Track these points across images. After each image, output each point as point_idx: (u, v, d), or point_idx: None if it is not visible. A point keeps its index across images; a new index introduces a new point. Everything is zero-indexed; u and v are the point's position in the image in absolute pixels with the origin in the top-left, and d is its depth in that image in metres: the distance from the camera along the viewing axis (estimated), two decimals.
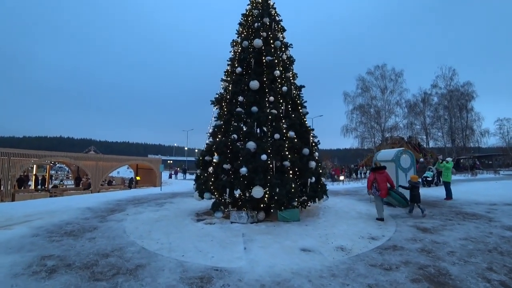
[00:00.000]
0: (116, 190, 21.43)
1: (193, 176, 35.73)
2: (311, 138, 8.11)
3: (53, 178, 30.10)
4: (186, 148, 65.94)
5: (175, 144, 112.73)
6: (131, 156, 24.82)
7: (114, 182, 27.25)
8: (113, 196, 11.94)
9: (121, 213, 8.02)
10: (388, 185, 7.45)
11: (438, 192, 12.69)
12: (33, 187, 21.39)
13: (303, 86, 8.81)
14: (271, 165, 6.82)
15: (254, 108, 7.47)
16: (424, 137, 35.37)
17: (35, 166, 25.07)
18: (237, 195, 6.52)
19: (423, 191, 11.12)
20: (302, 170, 7.46)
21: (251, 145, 6.83)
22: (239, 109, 7.49)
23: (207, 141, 8.34)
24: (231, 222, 6.85)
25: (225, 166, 6.71)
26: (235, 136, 6.93)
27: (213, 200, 7.20)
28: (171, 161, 58.86)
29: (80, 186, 22.35)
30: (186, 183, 23.28)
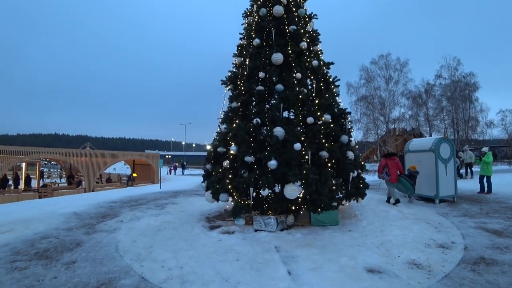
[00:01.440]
0: (112, 188, 19.92)
1: (193, 172, 34.21)
2: (348, 122, 6.60)
3: (44, 176, 28.42)
4: (183, 143, 64.20)
5: (172, 139, 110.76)
6: (127, 152, 23.22)
7: (112, 179, 25.69)
8: (107, 196, 10.40)
9: (114, 219, 6.50)
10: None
11: (469, 185, 11.72)
12: (22, 187, 19.79)
13: (332, 63, 7.24)
14: (306, 157, 5.32)
15: (279, 86, 5.93)
16: (428, 128, 34.40)
17: (24, 164, 23.48)
18: (265, 195, 5.02)
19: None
20: (341, 162, 5.97)
21: (279, 131, 5.30)
22: (260, 87, 5.94)
23: (218, 129, 6.82)
24: (255, 230, 5.38)
25: (247, 158, 5.18)
26: (258, 120, 5.39)
27: (227, 201, 5.68)
28: (169, 156, 57.08)
29: (73, 184, 20.78)
30: (186, 179, 21.76)
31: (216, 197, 5.49)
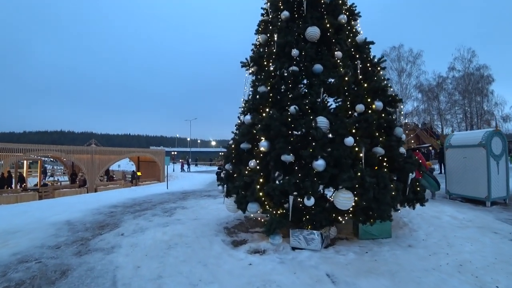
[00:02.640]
0: (116, 186, 18.89)
1: (199, 168, 33.16)
2: (400, 112, 5.36)
3: (48, 174, 27.56)
4: (188, 139, 63.20)
5: (177, 135, 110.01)
6: (131, 148, 22.18)
7: (115, 176, 24.70)
8: (108, 198, 9.28)
9: (114, 231, 5.34)
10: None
11: None
12: (21, 186, 18.81)
13: (372, 43, 5.93)
14: (361, 154, 4.09)
15: (318, 67, 4.69)
16: (439, 123, 33.06)
17: (25, 162, 22.58)
18: (310, 205, 3.80)
19: None
20: (395, 160, 4.73)
21: (322, 122, 4.07)
22: (294, 67, 4.68)
23: (239, 121, 5.62)
24: (293, 248, 4.18)
25: (285, 157, 3.94)
26: (296, 108, 4.14)
27: (257, 212, 4.45)
28: (175, 152, 56.11)
29: (76, 183, 19.78)
30: (193, 176, 20.63)
31: (242, 207, 4.27)
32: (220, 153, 49.91)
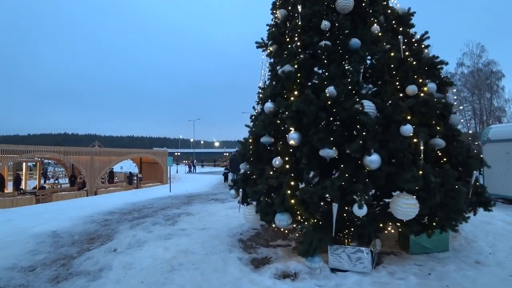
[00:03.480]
0: (117, 189, 18.02)
1: (203, 169, 32.11)
2: (453, 97, 4.41)
3: (49, 176, 26.81)
4: (192, 140, 62.38)
5: (181, 136, 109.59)
6: (133, 149, 21.29)
7: (116, 178, 23.84)
8: (105, 203, 8.36)
9: (105, 246, 4.39)
10: None
11: None
12: (18, 189, 18.01)
13: (414, 13, 4.94)
14: (421, 147, 3.12)
15: (356, 41, 3.76)
16: None
17: (24, 164, 21.82)
18: (361, 215, 2.83)
19: None
20: (452, 154, 3.76)
21: (369, 106, 3.11)
22: (326, 42, 3.73)
23: (255, 111, 4.67)
24: (332, 270, 3.22)
25: (325, 152, 2.96)
26: (333, 89, 3.17)
27: (288, 224, 3.45)
28: (179, 153, 55.22)
29: (76, 185, 18.94)
30: (197, 178, 19.71)
31: (268, 219, 3.29)
32: (225, 154, 48.96)
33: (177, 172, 26.77)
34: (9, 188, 17.50)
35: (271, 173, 3.37)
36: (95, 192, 17.22)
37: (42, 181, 23.47)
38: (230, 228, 5.27)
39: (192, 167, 27.97)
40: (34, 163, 31.64)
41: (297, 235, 4.61)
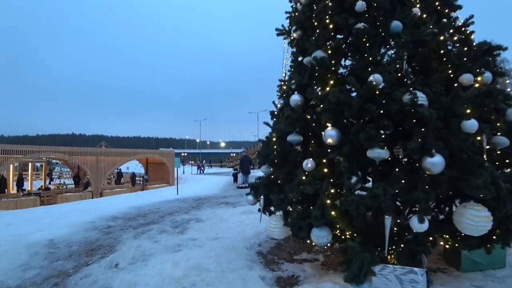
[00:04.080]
0: (123, 190, 17.63)
1: (210, 170, 31.51)
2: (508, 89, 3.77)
3: (54, 177, 26.61)
4: (198, 140, 62.02)
5: (187, 137, 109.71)
6: (139, 149, 20.90)
7: (122, 179, 23.48)
8: (109, 206, 7.86)
9: (106, 259, 3.85)
10: None
11: None
12: (21, 190, 17.72)
13: None
14: (486, 146, 2.52)
15: (397, 24, 3.16)
16: None
17: (30, 164, 21.59)
18: (422, 230, 2.23)
19: None
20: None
21: (421, 98, 2.51)
22: (363, 24, 3.14)
23: (278, 105, 4.11)
24: None
25: (375, 153, 2.35)
26: (379, 77, 2.57)
27: (327, 241, 2.85)
28: (185, 154, 54.94)
29: (80, 186, 18.59)
30: (204, 179, 19.19)
31: (301, 235, 2.68)
32: (232, 154, 48.47)
33: (183, 173, 26.33)
34: (15, 189, 17.24)
35: (304, 178, 2.77)
36: (100, 193, 16.85)
37: (47, 182, 23.25)
38: (246, 238, 4.69)
39: (202, 168, 27.44)
40: (41, 164, 31.63)
41: (325, 247, 4.01)
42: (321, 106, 2.78)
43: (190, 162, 51.88)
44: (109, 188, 18.06)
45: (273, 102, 4.47)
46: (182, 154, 51.11)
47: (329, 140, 2.68)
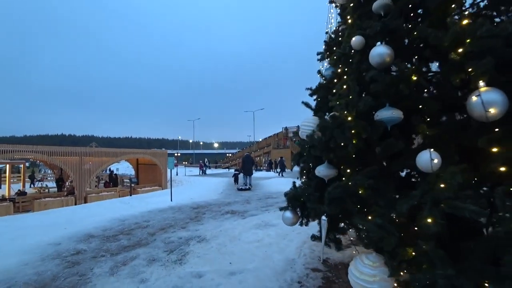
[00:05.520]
0: (110, 194, 15.93)
1: (209, 171, 29.81)
2: None
3: (36, 180, 24.56)
4: (191, 141, 60.17)
5: (179, 137, 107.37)
6: (128, 149, 19.14)
7: (102, 179, 21.66)
8: (86, 218, 6.26)
9: None
10: None
11: None
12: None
13: None
14: None
15: None
16: None
17: (7, 166, 19.63)
18: None
19: None
20: None
21: None
22: None
23: (322, 75, 2.69)
24: None
25: None
26: None
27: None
28: (179, 154, 52.91)
29: (63, 190, 16.76)
30: (200, 181, 17.59)
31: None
32: (228, 155, 46.76)
33: (177, 174, 24.65)
34: None
35: (443, 185, 1.31)
36: (84, 198, 15.12)
37: (28, 185, 21.34)
38: (276, 270, 3.20)
39: (205, 169, 25.71)
40: (27, 165, 29.47)
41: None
42: (460, 50, 1.33)
43: (184, 163, 49.95)
44: (94, 192, 16.32)
45: (318, 71, 3.02)
46: (176, 154, 49.20)
47: (492, 111, 1.22)
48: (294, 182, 3.37)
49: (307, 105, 2.97)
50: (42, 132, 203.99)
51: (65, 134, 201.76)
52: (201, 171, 25.42)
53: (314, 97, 3.08)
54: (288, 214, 2.63)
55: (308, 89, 3.08)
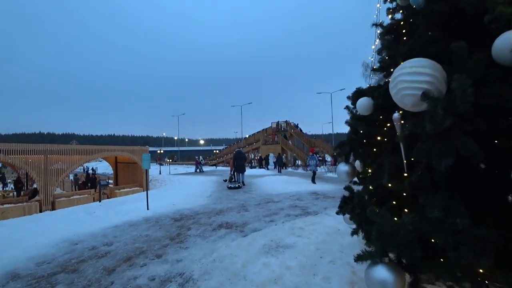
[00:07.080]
0: (83, 197, 13.99)
1: (188, 169, 27.99)
2: None
3: (6, 181, 21.99)
4: (176, 138, 57.83)
5: (164, 134, 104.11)
6: (104, 146, 17.09)
7: (79, 180, 19.58)
8: (22, 240, 4.52)
9: None
10: None
11: None
12: None
13: None
14: None
15: None
16: None
17: None
18: None
19: None
20: None
21: None
22: None
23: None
24: None
25: None
26: None
27: None
28: (162, 151, 50.50)
29: (25, 195, 14.60)
30: (183, 181, 15.80)
31: None
32: (215, 151, 44.80)
33: (160, 173, 22.75)
34: None
35: None
36: (52, 203, 13.10)
37: None
38: None
39: (200, 166, 23.84)
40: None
41: None
42: None
43: (168, 160, 47.68)
44: (64, 196, 14.31)
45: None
46: (158, 151, 46.80)
47: None
48: (344, 197, 1.86)
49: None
50: (18, 131, 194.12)
51: (43, 132, 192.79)
52: (197, 168, 23.61)
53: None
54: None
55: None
